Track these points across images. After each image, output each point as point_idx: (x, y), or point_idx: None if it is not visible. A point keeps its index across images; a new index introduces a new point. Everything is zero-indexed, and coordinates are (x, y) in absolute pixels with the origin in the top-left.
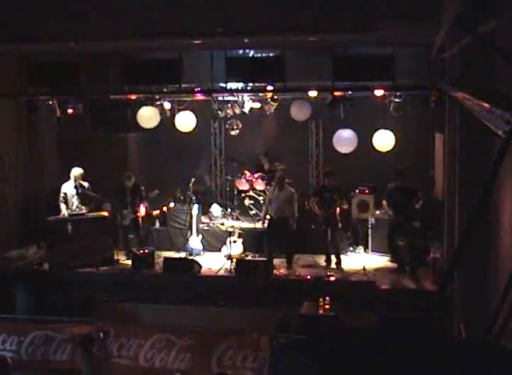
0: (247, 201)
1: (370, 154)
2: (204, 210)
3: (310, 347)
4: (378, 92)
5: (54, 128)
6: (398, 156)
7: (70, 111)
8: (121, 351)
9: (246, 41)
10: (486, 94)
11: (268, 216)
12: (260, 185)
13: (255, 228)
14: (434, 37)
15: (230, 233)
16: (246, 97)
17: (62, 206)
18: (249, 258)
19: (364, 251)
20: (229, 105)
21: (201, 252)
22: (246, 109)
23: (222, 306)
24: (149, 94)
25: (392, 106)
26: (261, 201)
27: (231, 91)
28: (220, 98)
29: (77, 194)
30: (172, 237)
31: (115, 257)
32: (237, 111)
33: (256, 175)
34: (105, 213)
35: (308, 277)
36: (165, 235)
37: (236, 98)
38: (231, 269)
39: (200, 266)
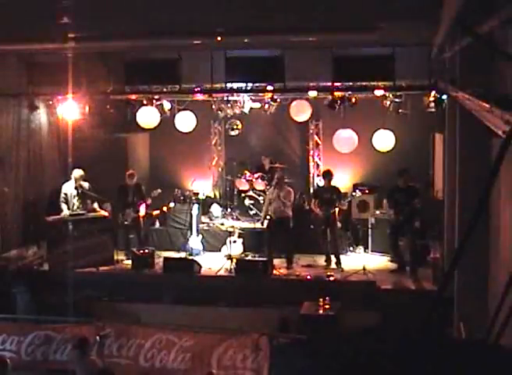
0: (247, 201)
1: (370, 154)
2: (204, 210)
3: (310, 347)
4: (378, 92)
5: (54, 128)
6: (398, 156)
7: (71, 111)
8: (121, 351)
9: (246, 41)
10: (486, 94)
11: (268, 216)
12: (260, 185)
13: (255, 228)
14: (434, 37)
15: (230, 233)
16: (246, 97)
17: (64, 206)
18: (249, 258)
19: (364, 251)
20: (229, 105)
21: (201, 252)
22: (246, 109)
23: (222, 306)
24: (149, 94)
25: (392, 106)
26: (261, 201)
27: (231, 91)
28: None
29: (78, 194)
30: (172, 237)
31: (115, 257)
32: (237, 111)
33: (256, 175)
34: (105, 213)
35: (308, 277)
36: (165, 235)
37: (236, 98)
38: (231, 269)
39: (200, 266)
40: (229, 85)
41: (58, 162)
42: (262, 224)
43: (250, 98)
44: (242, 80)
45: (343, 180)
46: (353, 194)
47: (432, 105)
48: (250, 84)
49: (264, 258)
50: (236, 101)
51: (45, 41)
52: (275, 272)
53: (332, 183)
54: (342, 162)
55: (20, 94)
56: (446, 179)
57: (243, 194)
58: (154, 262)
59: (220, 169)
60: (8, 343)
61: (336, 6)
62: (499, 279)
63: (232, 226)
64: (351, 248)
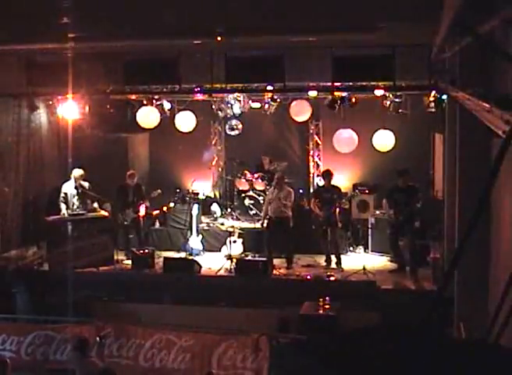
0: (247, 201)
1: (370, 154)
2: (204, 210)
3: (310, 347)
4: (378, 92)
5: (54, 128)
6: (398, 156)
7: (71, 111)
8: (121, 351)
9: (246, 41)
10: (486, 94)
11: (267, 217)
12: (260, 185)
13: (255, 228)
14: (434, 37)
15: (230, 233)
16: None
17: (63, 206)
18: (249, 258)
19: (364, 251)
20: (229, 105)
21: (201, 252)
22: (237, 110)
23: (222, 306)
24: (149, 94)
25: (392, 106)
26: (261, 201)
27: (231, 91)
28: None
29: (77, 194)
30: (172, 237)
31: (115, 257)
32: (237, 111)
33: (256, 175)
34: (105, 213)
35: (308, 277)
36: (165, 235)
37: (236, 99)
38: (231, 269)
39: (200, 266)
40: (229, 85)
41: (58, 161)
42: (262, 224)
43: (250, 98)
44: (242, 80)
45: (343, 180)
46: (353, 194)
47: (432, 105)
48: (250, 84)
49: (264, 259)
50: (236, 101)
51: (45, 41)
52: (275, 272)
53: (332, 182)
54: (342, 162)
55: (20, 94)
56: (446, 179)
57: (243, 194)
58: (154, 262)
59: (220, 169)
60: (8, 343)
61: (336, 6)
62: (499, 279)
63: (232, 226)
64: (351, 248)
